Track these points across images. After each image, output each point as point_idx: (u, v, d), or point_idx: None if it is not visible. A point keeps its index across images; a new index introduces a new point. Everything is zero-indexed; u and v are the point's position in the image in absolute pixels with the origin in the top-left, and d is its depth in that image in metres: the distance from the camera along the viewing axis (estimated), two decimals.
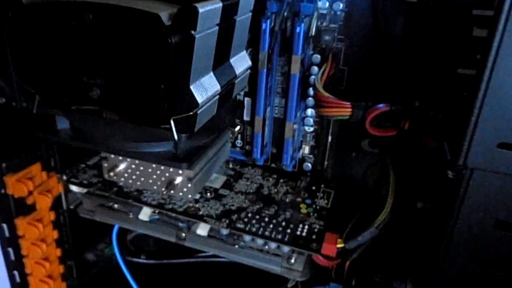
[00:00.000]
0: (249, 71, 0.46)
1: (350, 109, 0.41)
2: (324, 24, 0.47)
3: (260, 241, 0.45)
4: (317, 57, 0.47)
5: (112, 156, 0.44)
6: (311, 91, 0.48)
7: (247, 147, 0.55)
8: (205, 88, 0.35)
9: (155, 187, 0.44)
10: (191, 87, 0.34)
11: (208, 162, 0.45)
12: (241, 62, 0.44)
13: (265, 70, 0.46)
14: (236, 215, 0.47)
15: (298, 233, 0.45)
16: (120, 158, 0.44)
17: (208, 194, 0.50)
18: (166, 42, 0.30)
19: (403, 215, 0.45)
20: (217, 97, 0.38)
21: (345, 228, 0.45)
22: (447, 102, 0.38)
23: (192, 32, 0.31)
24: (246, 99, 0.52)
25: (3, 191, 0.46)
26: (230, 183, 0.53)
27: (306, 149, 0.54)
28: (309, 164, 0.54)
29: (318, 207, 0.49)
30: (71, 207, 0.54)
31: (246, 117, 0.53)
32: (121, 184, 0.49)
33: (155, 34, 0.30)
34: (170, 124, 0.34)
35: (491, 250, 0.33)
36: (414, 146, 0.43)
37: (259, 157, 0.52)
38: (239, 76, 0.43)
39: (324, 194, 0.52)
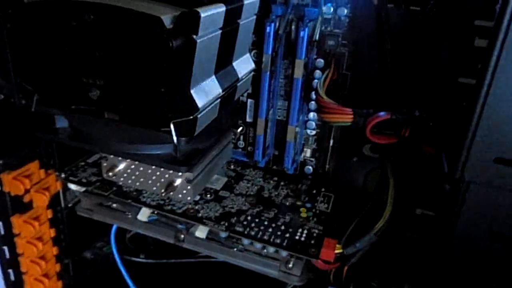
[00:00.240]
0: (252, 73, 0.46)
1: (351, 116, 0.41)
2: (328, 29, 0.47)
3: (258, 245, 0.45)
4: (320, 62, 0.47)
5: (112, 155, 0.43)
6: (313, 95, 0.47)
7: (249, 148, 0.55)
8: (206, 92, 0.35)
9: (154, 188, 0.43)
10: (192, 91, 0.33)
11: (208, 164, 0.44)
12: (244, 65, 0.43)
13: (268, 73, 0.46)
14: (235, 218, 0.46)
15: (297, 237, 0.44)
16: (120, 158, 0.43)
17: (208, 195, 0.50)
18: (167, 45, 0.29)
19: (402, 221, 0.45)
20: (219, 100, 0.38)
21: (344, 233, 0.45)
22: (447, 112, 0.38)
23: (194, 36, 0.30)
24: (249, 100, 0.52)
25: None
26: (231, 184, 0.52)
27: (307, 152, 0.53)
28: (311, 167, 0.54)
29: (317, 211, 0.49)
30: (69, 205, 0.54)
31: (248, 119, 0.53)
32: (120, 184, 0.49)
33: (156, 37, 0.30)
34: (170, 128, 0.33)
35: (486, 261, 0.33)
36: (414, 154, 0.43)
37: (260, 159, 0.51)
38: (242, 79, 0.43)
39: (324, 198, 0.51)
